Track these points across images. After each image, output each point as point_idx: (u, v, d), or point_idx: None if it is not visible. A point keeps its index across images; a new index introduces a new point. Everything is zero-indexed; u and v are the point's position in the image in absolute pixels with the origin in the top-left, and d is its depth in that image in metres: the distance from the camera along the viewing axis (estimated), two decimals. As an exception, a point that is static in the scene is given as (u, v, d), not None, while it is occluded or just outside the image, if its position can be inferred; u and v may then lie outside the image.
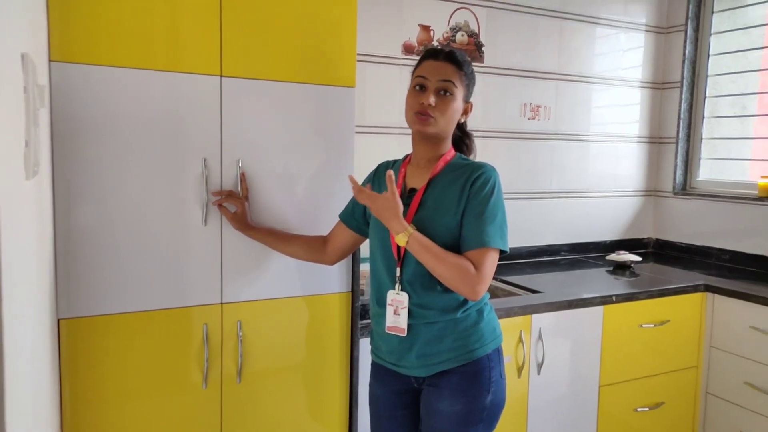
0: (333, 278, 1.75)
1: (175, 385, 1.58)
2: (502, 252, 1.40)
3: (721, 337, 2.48)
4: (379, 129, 2.50)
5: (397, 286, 1.44)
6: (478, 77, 2.81)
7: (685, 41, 3.09)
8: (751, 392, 2.36)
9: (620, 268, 2.79)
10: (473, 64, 2.70)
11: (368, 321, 1.85)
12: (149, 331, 1.54)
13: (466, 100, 1.50)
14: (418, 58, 2.49)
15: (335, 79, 1.70)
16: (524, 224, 2.91)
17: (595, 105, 3.05)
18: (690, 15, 3.07)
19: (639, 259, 2.82)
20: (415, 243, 1.35)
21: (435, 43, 2.56)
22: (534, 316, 2.13)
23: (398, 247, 1.44)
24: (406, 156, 1.58)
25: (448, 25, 2.59)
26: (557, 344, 2.20)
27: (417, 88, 1.45)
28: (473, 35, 2.65)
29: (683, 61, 3.11)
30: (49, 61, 1.38)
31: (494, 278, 2.53)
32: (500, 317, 2.05)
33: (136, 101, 1.48)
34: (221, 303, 1.61)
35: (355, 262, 1.78)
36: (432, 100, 1.41)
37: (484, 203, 1.38)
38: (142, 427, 1.55)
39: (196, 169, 1.56)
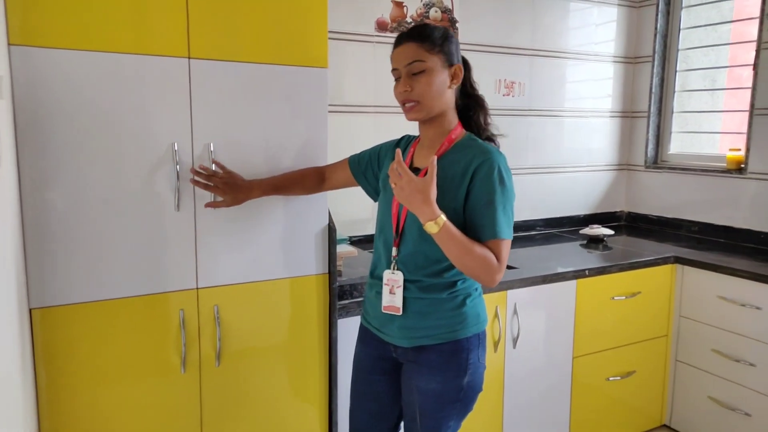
0: (309, 260, 1.75)
1: (153, 371, 1.58)
2: None
3: (690, 306, 2.56)
4: (355, 108, 2.48)
5: (392, 265, 1.45)
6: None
7: (656, 15, 3.11)
8: (719, 359, 2.45)
9: (594, 241, 2.84)
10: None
11: (346, 301, 1.87)
12: (124, 318, 1.53)
13: (451, 64, 1.43)
14: (391, 35, 2.48)
15: (307, 59, 1.67)
16: (500, 200, 2.93)
17: (569, 80, 3.07)
18: (662, -12, 3.08)
19: (612, 232, 2.87)
20: (445, 233, 1.30)
21: (408, 20, 2.54)
22: (509, 291, 2.17)
23: (397, 227, 1.45)
24: None
25: (422, 1, 2.56)
26: (532, 318, 2.25)
27: (396, 80, 1.45)
28: (447, 11, 2.62)
29: (655, 35, 3.13)
30: (9, 45, 1.33)
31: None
32: (476, 294, 2.08)
33: (103, 85, 1.44)
34: (197, 288, 1.61)
35: (332, 243, 1.78)
36: (407, 86, 1.40)
37: (493, 192, 1.36)
38: (120, 413, 1.56)
39: (166, 154, 1.53)
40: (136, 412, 1.57)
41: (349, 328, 1.84)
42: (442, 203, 1.35)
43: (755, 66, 2.70)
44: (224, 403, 1.68)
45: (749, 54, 2.74)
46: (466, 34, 2.69)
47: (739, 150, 2.82)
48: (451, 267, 1.42)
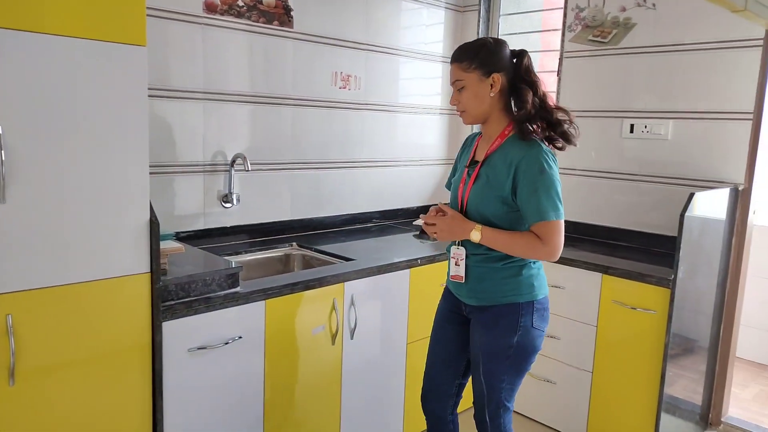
0: (128, 259, 1.58)
1: (-75, 399, 1.31)
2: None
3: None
4: (182, 93, 2.30)
5: (457, 241, 1.74)
6: (287, 43, 2.73)
7: (478, 20, 3.35)
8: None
9: (425, 232, 2.97)
10: (282, 28, 2.61)
11: (172, 302, 1.73)
12: None
13: (488, 75, 1.65)
14: (221, 18, 2.34)
15: (122, 36, 1.50)
16: (336, 193, 2.95)
17: (402, 77, 3.18)
18: (483, -4, 3.32)
19: (441, 223, 3.04)
20: (487, 235, 1.64)
21: (240, 3, 2.41)
22: (347, 283, 2.18)
23: (461, 208, 1.75)
24: None
25: (254, -16, 2.46)
26: (369, 308, 2.29)
27: None
28: (281, -2, 2.55)
29: (477, 39, 3.36)
30: None
31: (310, 248, 2.54)
32: (314, 287, 2.06)
33: None
34: (-16, 296, 1.36)
35: (154, 238, 1.62)
36: (455, 101, 1.72)
37: (535, 180, 1.58)
38: None
39: (-63, 137, 1.27)
40: None
41: (176, 331, 1.71)
42: (490, 193, 1.65)
43: (558, 72, 3.03)
44: (22, 427, 1.45)
45: (554, 61, 3.07)
46: (301, 24, 2.65)
47: (547, 148, 3.15)
48: None
